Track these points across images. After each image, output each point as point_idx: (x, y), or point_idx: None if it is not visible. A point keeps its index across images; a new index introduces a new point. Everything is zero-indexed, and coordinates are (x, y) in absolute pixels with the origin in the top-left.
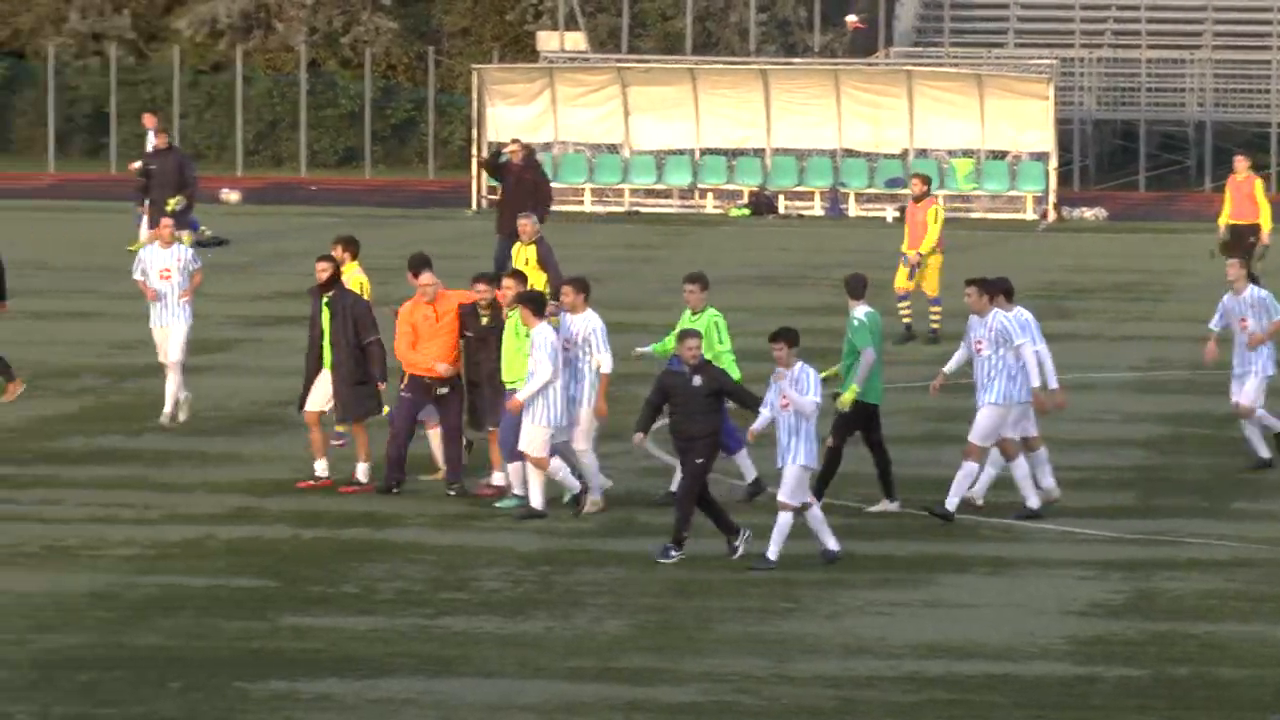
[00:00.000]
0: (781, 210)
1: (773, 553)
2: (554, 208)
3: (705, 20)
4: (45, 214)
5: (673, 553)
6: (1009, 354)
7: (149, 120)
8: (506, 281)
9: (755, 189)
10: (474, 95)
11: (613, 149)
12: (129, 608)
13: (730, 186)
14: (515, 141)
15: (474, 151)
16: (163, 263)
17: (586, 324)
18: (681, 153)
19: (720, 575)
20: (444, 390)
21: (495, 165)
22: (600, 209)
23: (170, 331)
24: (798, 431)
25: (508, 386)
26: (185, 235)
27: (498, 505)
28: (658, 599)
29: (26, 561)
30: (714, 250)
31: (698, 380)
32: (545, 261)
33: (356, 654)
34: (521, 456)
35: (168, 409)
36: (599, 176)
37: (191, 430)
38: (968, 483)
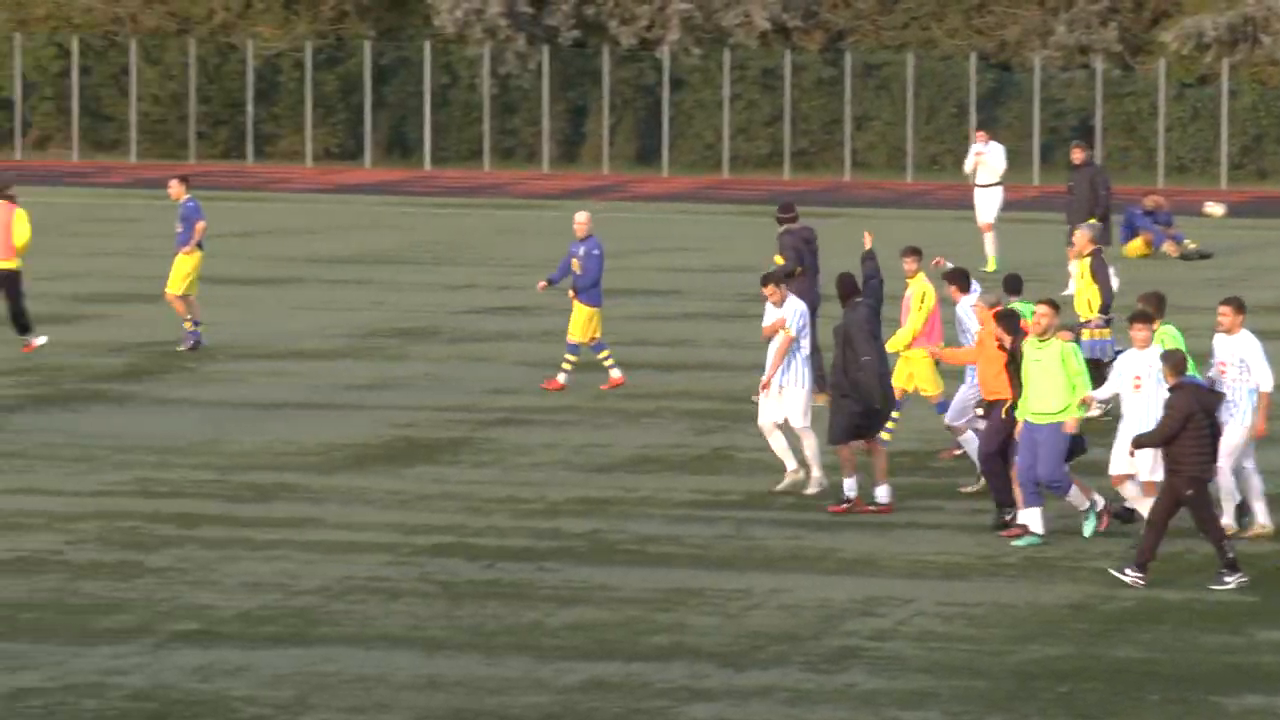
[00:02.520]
0: None
1: None
2: None
3: None
4: (1032, 226)
5: (1226, 578)
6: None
7: (980, 136)
8: (1042, 308)
9: None
10: None
11: None
12: (1107, 620)
13: None
14: None
15: None
16: (770, 318)
17: (1241, 344)
18: None
19: None
20: (979, 412)
21: None
22: None
23: (786, 395)
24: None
25: (1034, 419)
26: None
27: (1015, 544)
28: None
29: (1006, 573)
30: None
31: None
32: (1097, 274)
33: None
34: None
35: (791, 466)
36: None
37: None
38: None
